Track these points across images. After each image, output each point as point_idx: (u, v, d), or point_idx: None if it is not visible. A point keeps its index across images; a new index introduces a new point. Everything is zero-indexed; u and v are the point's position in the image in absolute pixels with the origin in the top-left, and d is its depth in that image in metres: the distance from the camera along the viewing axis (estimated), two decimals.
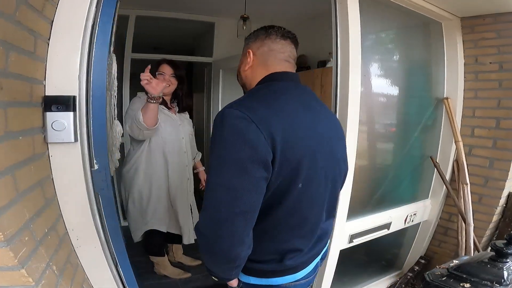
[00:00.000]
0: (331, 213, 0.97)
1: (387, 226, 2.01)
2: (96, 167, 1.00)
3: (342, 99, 1.43)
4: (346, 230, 1.73)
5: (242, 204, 0.67)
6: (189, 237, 2.00)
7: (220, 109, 0.75)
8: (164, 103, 1.86)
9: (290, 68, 0.88)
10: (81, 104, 0.90)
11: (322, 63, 2.54)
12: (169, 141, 1.83)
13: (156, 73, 1.78)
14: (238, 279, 0.88)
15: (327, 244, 1.02)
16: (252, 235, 0.74)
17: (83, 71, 0.90)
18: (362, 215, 1.88)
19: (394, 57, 1.97)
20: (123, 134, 1.43)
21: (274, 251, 0.83)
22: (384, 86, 1.83)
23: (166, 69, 1.79)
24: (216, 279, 0.84)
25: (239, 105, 0.71)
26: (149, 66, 1.59)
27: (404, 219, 2.11)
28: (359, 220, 1.84)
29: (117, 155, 1.40)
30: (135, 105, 1.73)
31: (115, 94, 1.34)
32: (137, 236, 1.92)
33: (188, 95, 2.02)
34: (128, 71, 2.84)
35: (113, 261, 1.15)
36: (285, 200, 0.76)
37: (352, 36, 1.39)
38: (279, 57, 0.85)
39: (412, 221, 2.18)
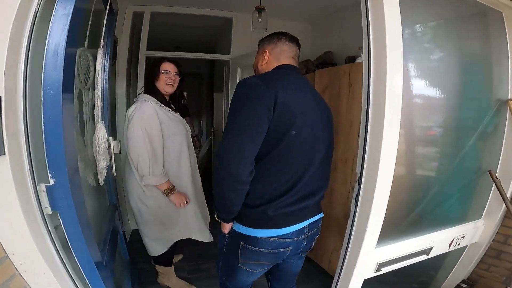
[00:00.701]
0: (321, 176, 1.10)
1: (426, 251, 1.62)
2: (51, 182, 0.77)
3: (376, 101, 1.07)
4: (373, 258, 1.39)
5: (250, 131, 0.90)
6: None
7: None
8: (168, 104, 1.72)
9: (294, 63, 1.14)
10: (14, 107, 0.66)
11: (351, 59, 2.17)
12: (187, 144, 1.74)
13: (162, 71, 1.63)
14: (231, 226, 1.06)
15: (318, 215, 1.15)
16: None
17: (19, 67, 0.67)
18: (396, 239, 1.51)
19: (443, 51, 1.56)
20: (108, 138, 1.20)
21: (264, 194, 0.98)
22: (429, 85, 1.43)
23: (170, 67, 1.65)
24: (219, 219, 1.05)
25: (256, 77, 1.00)
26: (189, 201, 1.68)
27: (449, 242, 1.70)
28: (392, 246, 1.47)
29: (103, 163, 1.16)
30: (151, 122, 1.52)
31: (100, 93, 1.10)
32: (164, 249, 1.77)
33: (182, 95, 1.89)
34: (142, 69, 2.65)
35: (75, 284, 0.92)
36: (280, 143, 0.95)
37: (389, 24, 1.03)
38: (288, 55, 1.12)
39: (459, 244, 1.76)
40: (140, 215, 1.68)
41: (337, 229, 2.13)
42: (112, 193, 1.64)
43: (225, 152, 0.90)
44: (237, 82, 1.10)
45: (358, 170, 1.17)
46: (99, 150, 1.08)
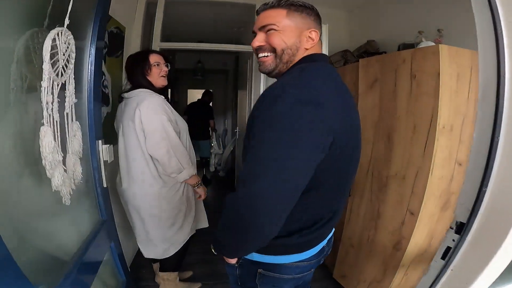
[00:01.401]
0: (348, 192, 0.87)
1: None
2: None
3: None
4: None
5: (294, 181, 0.61)
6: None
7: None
8: (167, 98, 1.54)
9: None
10: None
11: (408, 46, 1.65)
12: (188, 138, 1.61)
13: (153, 63, 1.44)
14: None
15: (333, 230, 0.95)
16: None
17: None
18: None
19: None
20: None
21: (284, 227, 0.67)
22: None
23: (159, 58, 1.47)
24: (216, 254, 0.77)
25: (297, 84, 0.64)
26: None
27: None
28: None
29: (58, 179, 0.80)
30: (170, 115, 1.43)
31: (47, 84, 0.74)
32: (176, 249, 1.60)
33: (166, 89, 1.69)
34: None
35: None
36: (327, 182, 0.71)
37: None
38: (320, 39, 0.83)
39: None
40: (153, 219, 1.51)
41: (381, 258, 1.66)
42: (103, 208, 1.32)
43: (255, 206, 0.59)
44: (265, 90, 0.67)
45: (459, 211, 0.69)
46: (45, 164, 0.72)
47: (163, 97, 1.45)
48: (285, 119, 0.59)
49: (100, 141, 1.22)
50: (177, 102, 5.70)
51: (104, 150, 1.22)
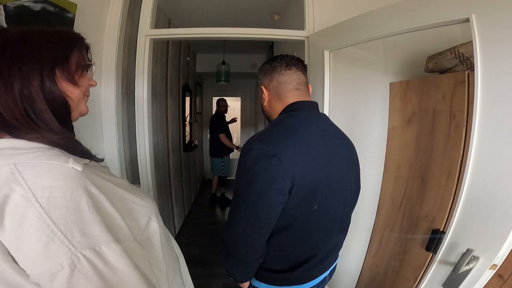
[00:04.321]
0: (342, 228, 0.97)
1: None
2: None
3: None
4: None
5: (258, 222, 0.75)
6: None
7: None
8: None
9: (303, 95, 0.86)
10: None
11: None
12: None
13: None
14: (250, 283, 0.94)
15: (336, 260, 1.01)
16: (268, 245, 0.83)
17: None
18: None
19: None
20: None
21: (285, 262, 0.87)
22: None
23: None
24: (232, 279, 0.92)
25: (264, 139, 0.76)
26: None
27: None
28: None
29: None
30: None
31: None
32: None
33: None
34: (142, 57, 1.38)
35: None
36: (300, 219, 0.79)
37: None
38: (289, 88, 0.85)
39: None
40: None
41: None
42: None
43: (233, 241, 0.79)
44: None
45: None
46: None
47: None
48: (249, 170, 0.72)
49: None
50: (200, 113, 4.87)
51: None
